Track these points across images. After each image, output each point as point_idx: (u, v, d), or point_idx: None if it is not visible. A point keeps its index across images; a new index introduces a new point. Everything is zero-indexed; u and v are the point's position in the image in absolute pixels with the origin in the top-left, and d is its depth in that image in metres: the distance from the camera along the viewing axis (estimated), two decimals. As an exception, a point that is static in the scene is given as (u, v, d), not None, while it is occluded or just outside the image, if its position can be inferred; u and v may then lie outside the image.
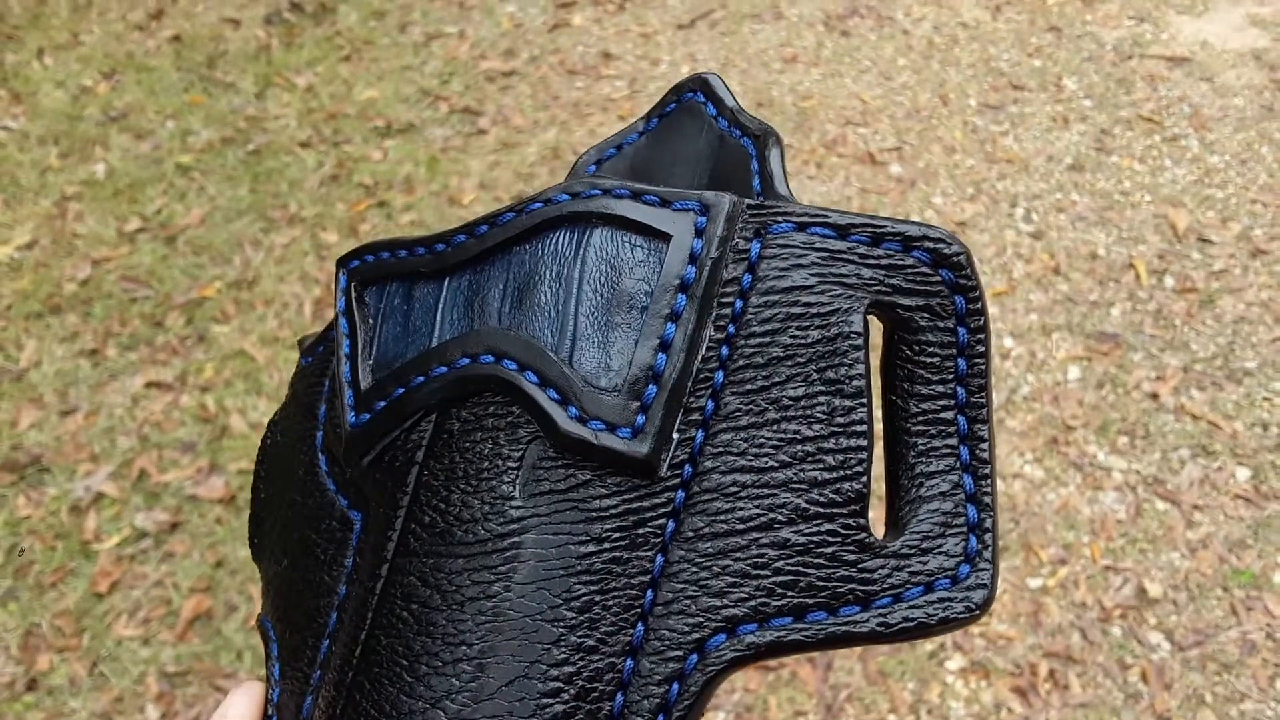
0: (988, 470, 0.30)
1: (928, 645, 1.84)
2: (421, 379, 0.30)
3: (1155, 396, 2.20)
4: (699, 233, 0.29)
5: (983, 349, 0.30)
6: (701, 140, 0.34)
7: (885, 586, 0.28)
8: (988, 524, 0.30)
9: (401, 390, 0.30)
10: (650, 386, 0.28)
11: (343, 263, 0.33)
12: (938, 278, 0.30)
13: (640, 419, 0.28)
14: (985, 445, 0.30)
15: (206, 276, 2.61)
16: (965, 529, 0.29)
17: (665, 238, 0.29)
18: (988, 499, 0.30)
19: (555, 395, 0.29)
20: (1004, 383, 2.24)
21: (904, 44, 3.24)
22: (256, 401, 2.30)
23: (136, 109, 3.16)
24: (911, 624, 0.28)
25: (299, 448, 0.34)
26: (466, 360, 0.30)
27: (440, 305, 0.31)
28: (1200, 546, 1.96)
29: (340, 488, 0.33)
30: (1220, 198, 2.64)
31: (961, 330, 0.30)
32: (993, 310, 2.39)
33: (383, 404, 0.31)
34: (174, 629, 1.93)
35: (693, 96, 0.36)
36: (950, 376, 0.30)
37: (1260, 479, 2.05)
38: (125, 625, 1.94)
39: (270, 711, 0.33)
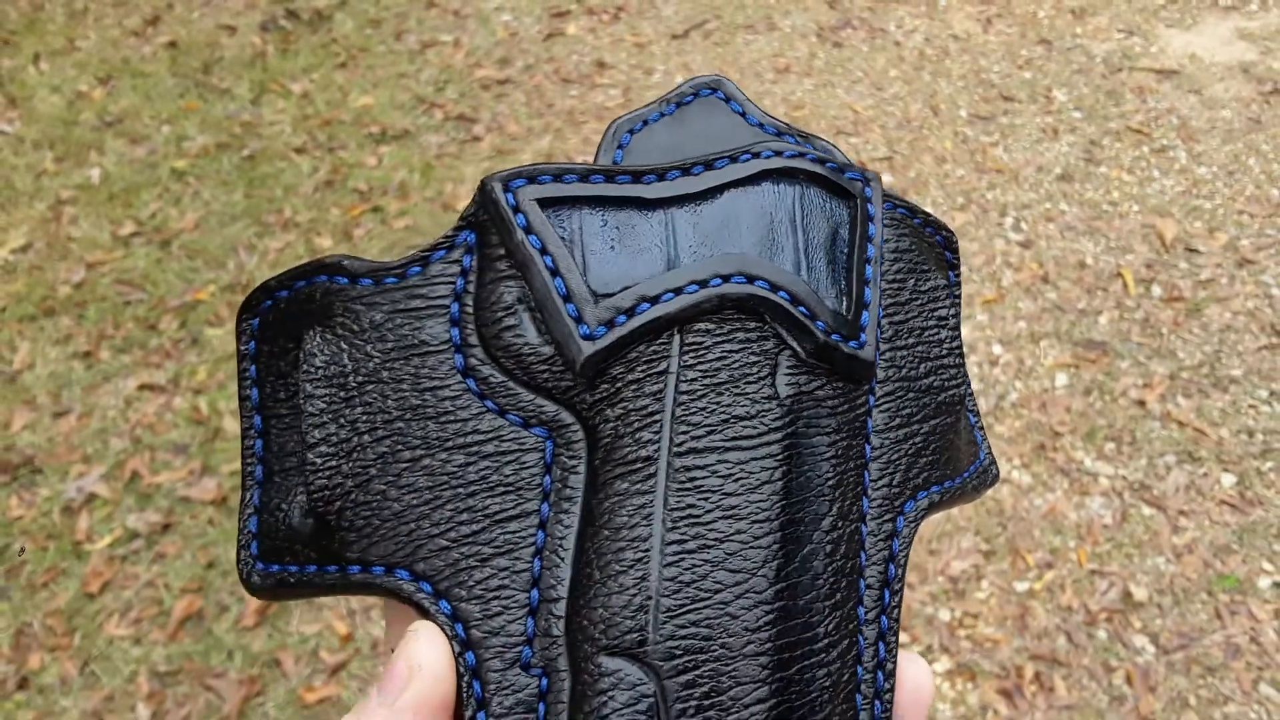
0: (970, 390, 0.40)
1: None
2: (673, 295, 0.33)
3: (1142, 403, 2.22)
4: (869, 199, 0.37)
5: (959, 308, 0.40)
6: (731, 127, 0.40)
7: (964, 463, 0.39)
8: (980, 424, 0.41)
9: (648, 305, 0.33)
10: (864, 313, 0.35)
11: (504, 184, 0.35)
12: (945, 256, 0.41)
13: (863, 336, 0.35)
14: (966, 372, 0.41)
15: (200, 280, 2.62)
16: (972, 425, 0.40)
17: (850, 198, 0.36)
18: (975, 406, 0.41)
19: (806, 312, 0.34)
20: (992, 389, 2.26)
21: (896, 55, 3.26)
22: (249, 404, 2.30)
23: (132, 114, 3.17)
24: (976, 485, 0.39)
25: (407, 382, 0.34)
26: (719, 281, 0.34)
27: (670, 231, 0.35)
28: (1185, 551, 1.97)
29: (507, 408, 0.34)
30: (1208, 208, 2.67)
31: (953, 294, 0.41)
32: (982, 318, 2.41)
33: (627, 317, 0.33)
34: (165, 629, 1.93)
35: (710, 94, 0.40)
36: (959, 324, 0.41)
37: (1245, 485, 2.07)
38: (116, 625, 1.94)
39: (458, 649, 0.33)
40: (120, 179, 2.93)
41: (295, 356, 0.36)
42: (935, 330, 0.39)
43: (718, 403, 0.33)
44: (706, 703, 0.30)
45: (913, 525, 0.36)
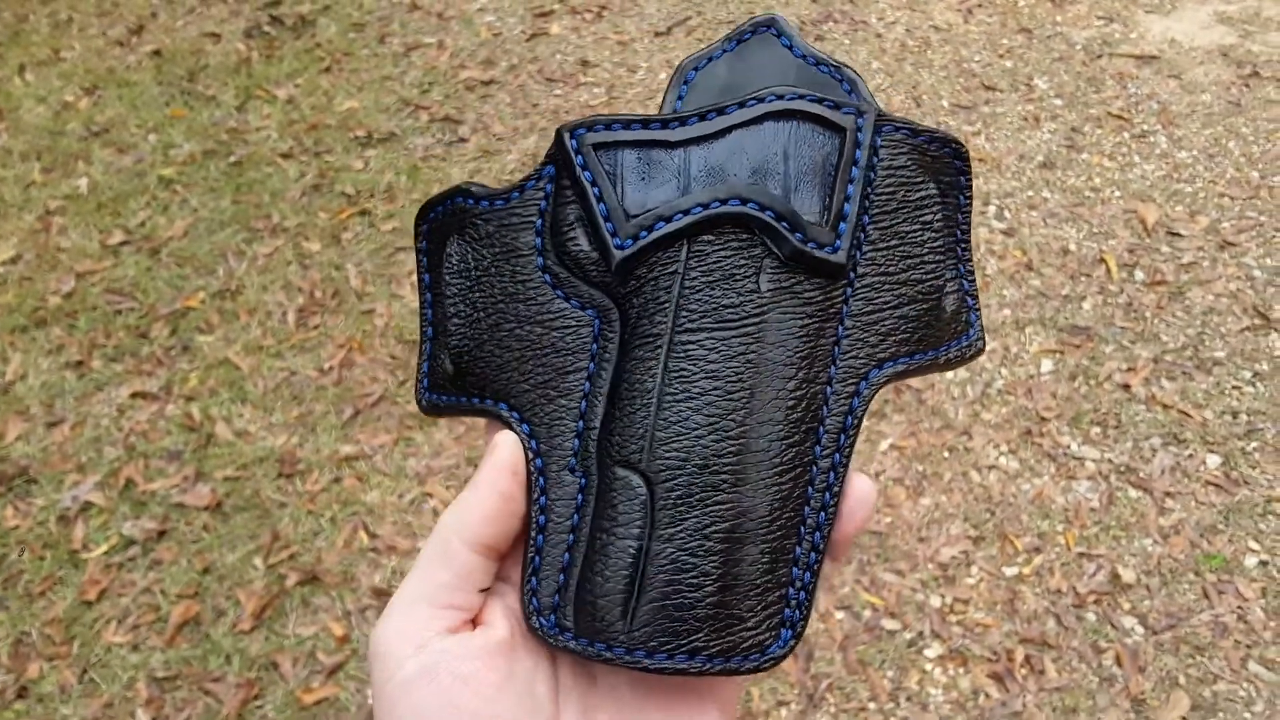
0: (973, 276, 0.49)
1: (906, 634, 1.87)
2: (682, 215, 0.44)
3: (1127, 387, 2.24)
4: (859, 129, 0.45)
5: (969, 206, 0.49)
6: (780, 63, 0.49)
7: (945, 338, 0.47)
8: (977, 305, 0.49)
9: (664, 224, 0.44)
10: (843, 223, 0.44)
11: (570, 131, 0.46)
12: (955, 164, 0.48)
13: (839, 242, 0.44)
14: (971, 262, 0.49)
15: (190, 287, 2.63)
16: (969, 308, 0.48)
17: (840, 130, 0.45)
18: (974, 290, 0.49)
19: (787, 226, 0.44)
20: (979, 377, 2.28)
21: (877, 47, 3.28)
22: (241, 410, 2.32)
23: (118, 123, 3.18)
24: (955, 357, 0.47)
25: (506, 276, 0.48)
26: (718, 204, 0.44)
27: (685, 166, 0.45)
28: (1172, 532, 1.99)
29: (569, 296, 0.46)
30: (1188, 192, 2.69)
31: (962, 196, 0.49)
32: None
33: (648, 233, 0.44)
34: (163, 635, 1.95)
35: (766, 30, 0.49)
36: (953, 223, 0.48)
37: (1230, 465, 2.09)
38: (114, 632, 1.96)
39: (530, 456, 0.45)
40: (108, 188, 2.94)
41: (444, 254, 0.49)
42: (919, 233, 0.47)
43: (710, 295, 0.43)
44: (681, 502, 0.41)
45: (875, 387, 0.46)
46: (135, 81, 3.35)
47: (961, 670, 1.83)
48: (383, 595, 1.97)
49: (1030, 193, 2.72)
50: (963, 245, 0.49)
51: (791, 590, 0.43)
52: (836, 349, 0.45)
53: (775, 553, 0.42)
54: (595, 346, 0.45)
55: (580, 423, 0.45)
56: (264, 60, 3.41)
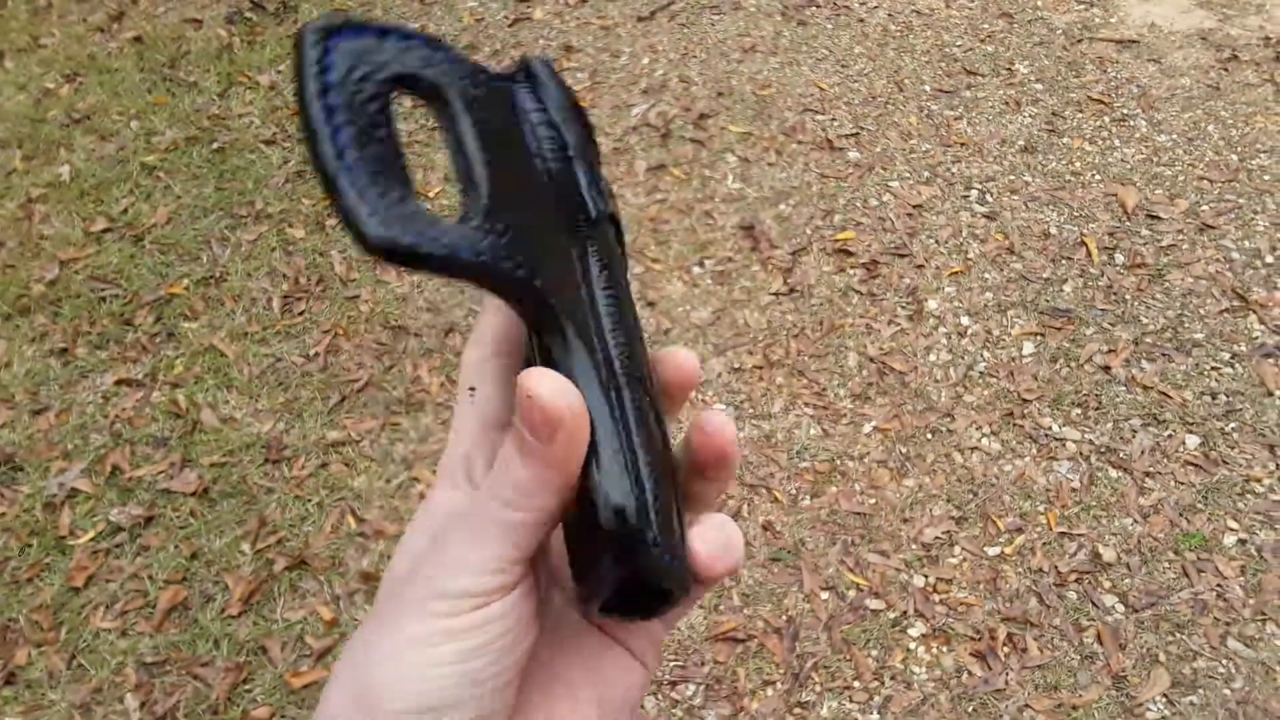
0: None
1: (890, 614, 1.90)
2: None
3: (1107, 369, 2.26)
4: None
5: None
6: None
7: None
8: None
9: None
10: None
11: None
12: None
13: None
14: None
15: (174, 274, 2.62)
16: None
17: None
18: None
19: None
20: (961, 359, 2.30)
21: (860, 32, 3.29)
22: (227, 396, 2.32)
23: (100, 110, 3.16)
24: None
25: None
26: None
27: None
28: (1152, 512, 2.02)
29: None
30: (1168, 175, 2.71)
31: None
32: (950, 290, 2.45)
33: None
34: (151, 620, 1.95)
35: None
36: None
37: (1209, 446, 2.12)
38: (102, 617, 1.96)
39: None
40: (90, 175, 2.93)
41: None
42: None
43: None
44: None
45: None
46: (116, 68, 3.33)
47: (945, 649, 1.86)
48: (371, 579, 1.98)
49: (1011, 177, 2.73)
50: None
51: None
52: None
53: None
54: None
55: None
56: (246, 46, 3.40)
